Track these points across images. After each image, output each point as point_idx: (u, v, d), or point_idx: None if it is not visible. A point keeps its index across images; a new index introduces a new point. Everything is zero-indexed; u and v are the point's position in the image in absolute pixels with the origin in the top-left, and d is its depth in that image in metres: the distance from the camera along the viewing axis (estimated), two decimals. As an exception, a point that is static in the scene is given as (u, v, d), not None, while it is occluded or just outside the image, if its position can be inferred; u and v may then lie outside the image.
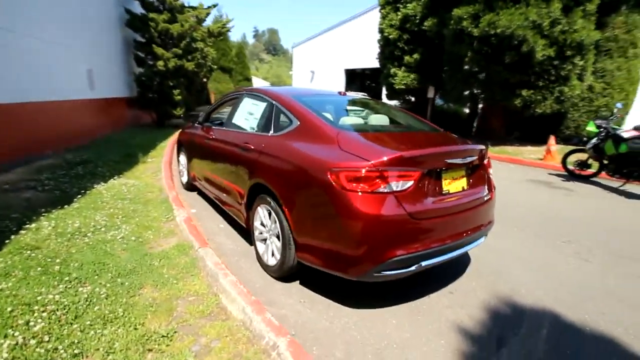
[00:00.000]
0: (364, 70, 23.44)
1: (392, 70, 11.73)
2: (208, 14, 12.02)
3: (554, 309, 2.38)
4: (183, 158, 4.86)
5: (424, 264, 2.10)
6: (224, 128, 3.51)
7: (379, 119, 2.93)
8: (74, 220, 3.29)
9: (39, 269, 2.41)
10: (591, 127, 6.06)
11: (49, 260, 2.56)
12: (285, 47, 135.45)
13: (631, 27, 9.31)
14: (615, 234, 3.78)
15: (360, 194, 1.94)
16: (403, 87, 11.47)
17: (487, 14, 8.02)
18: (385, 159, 1.97)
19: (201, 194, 4.66)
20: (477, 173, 2.52)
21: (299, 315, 2.17)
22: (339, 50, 23.55)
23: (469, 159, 2.35)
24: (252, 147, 2.76)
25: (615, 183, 5.94)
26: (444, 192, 2.20)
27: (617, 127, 5.95)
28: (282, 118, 2.74)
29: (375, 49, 20.17)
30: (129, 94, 10.76)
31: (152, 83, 10.53)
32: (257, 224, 2.80)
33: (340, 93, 3.44)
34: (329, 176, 2.03)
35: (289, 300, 2.35)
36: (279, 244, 2.51)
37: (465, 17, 8.40)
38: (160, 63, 10.28)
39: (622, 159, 5.55)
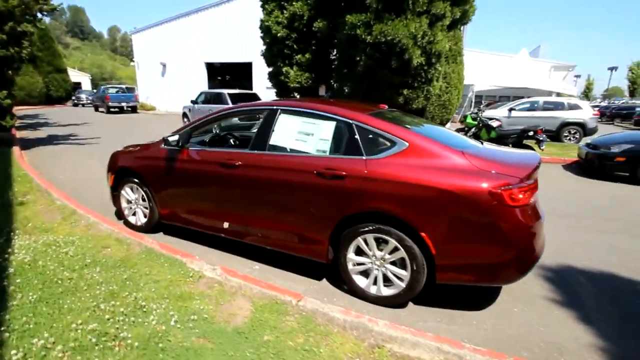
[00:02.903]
0: (228, 64, 22.25)
1: (284, 68, 11.77)
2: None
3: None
4: (134, 191, 3.69)
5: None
6: (253, 152, 2.90)
7: (442, 132, 3.06)
8: (75, 320, 2.07)
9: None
10: (469, 120, 8.02)
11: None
12: (99, 30, 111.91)
13: (457, 40, 12.54)
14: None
15: (522, 208, 2.15)
16: (298, 85, 11.71)
17: (377, 23, 9.15)
18: (525, 175, 2.23)
19: (172, 232, 3.67)
20: None
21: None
22: (197, 41, 21.46)
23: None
24: (345, 174, 2.46)
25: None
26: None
27: (487, 118, 8.11)
28: (375, 139, 2.56)
29: (244, 43, 19.49)
30: None
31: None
32: (352, 256, 2.57)
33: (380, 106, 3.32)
34: (491, 196, 2.12)
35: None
36: (399, 271, 2.43)
37: (358, 24, 9.30)
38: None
39: (494, 142, 7.66)
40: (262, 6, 12.01)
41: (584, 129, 11.09)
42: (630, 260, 3.35)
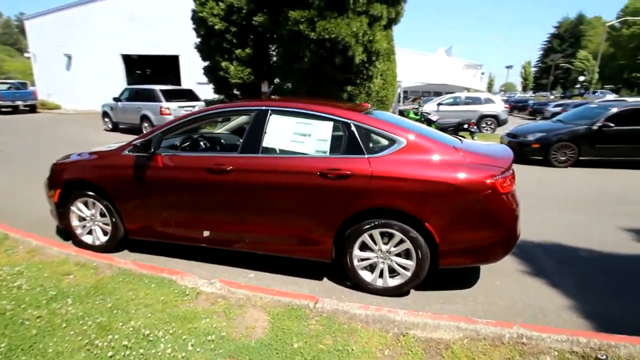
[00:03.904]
0: (150, 57, 20.21)
1: (224, 63, 11.17)
2: None
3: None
4: (90, 206, 3.23)
5: None
6: (245, 155, 2.75)
7: (425, 128, 3.23)
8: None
9: None
10: (412, 115, 8.67)
11: None
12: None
13: (390, 39, 13.35)
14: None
15: (507, 195, 2.44)
16: (239, 81, 11.24)
17: (321, 20, 9.26)
18: (507, 165, 2.54)
19: (140, 249, 3.31)
20: None
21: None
22: (112, 30, 19.03)
23: None
24: (350, 173, 2.50)
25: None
26: None
27: (428, 112, 8.86)
28: (374, 138, 2.65)
29: (170, 34, 17.95)
30: None
31: None
32: (357, 252, 2.64)
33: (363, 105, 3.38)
34: (486, 185, 2.36)
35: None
36: (404, 261, 2.58)
37: (302, 20, 9.29)
38: None
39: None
40: (196, -5, 11.20)
41: (497, 120, 12.84)
42: (567, 232, 4.03)
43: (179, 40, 17.35)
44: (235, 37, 11.13)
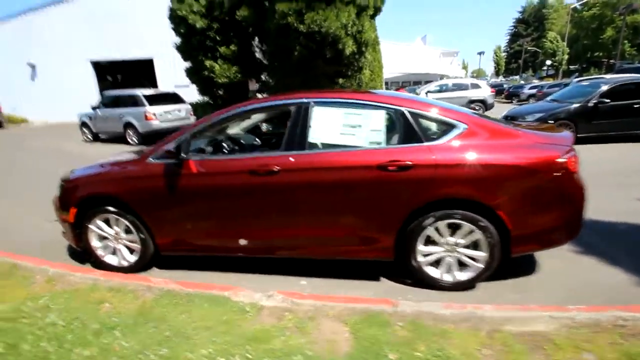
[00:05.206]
0: (122, 62, 19.19)
1: (208, 62, 10.69)
2: None
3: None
4: (113, 224, 2.92)
5: None
6: (291, 153, 2.51)
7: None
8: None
9: None
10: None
11: None
12: None
13: (374, 29, 13.24)
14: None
15: (577, 174, 2.34)
16: (226, 80, 10.78)
17: (309, 12, 8.99)
18: (571, 144, 2.44)
19: (169, 265, 3.03)
20: None
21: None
22: (79, 35, 17.91)
23: None
24: (412, 163, 2.32)
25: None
26: None
27: None
28: (431, 124, 2.49)
29: (142, 36, 17.11)
30: None
31: None
32: (421, 247, 2.48)
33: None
34: (559, 165, 2.26)
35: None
36: (474, 253, 2.44)
37: (290, 13, 9.00)
38: None
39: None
40: (172, -8, 10.60)
41: (485, 105, 13.04)
42: (596, 207, 4.02)
43: (153, 42, 16.57)
44: (219, 34, 10.65)
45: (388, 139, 2.49)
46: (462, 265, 2.51)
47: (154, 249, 2.89)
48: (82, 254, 3.24)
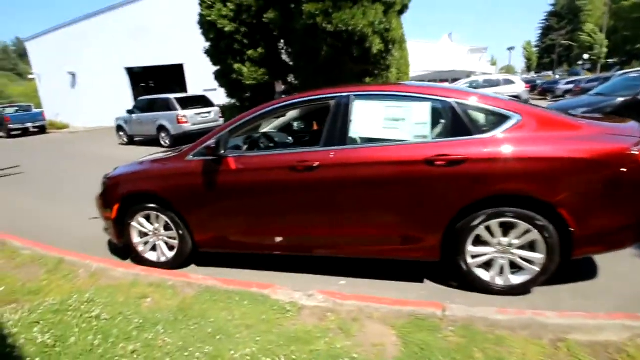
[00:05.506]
0: (154, 68, 19.97)
1: (236, 65, 10.88)
2: None
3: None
4: (153, 220, 2.95)
5: None
6: (332, 148, 2.43)
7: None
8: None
9: None
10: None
11: None
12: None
13: (398, 28, 12.98)
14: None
15: None
16: (253, 82, 10.93)
17: (336, 11, 8.93)
18: None
19: (207, 262, 3.02)
20: None
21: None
22: (114, 44, 18.82)
23: None
24: (463, 157, 2.17)
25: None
26: None
27: None
28: (481, 116, 2.33)
29: (172, 43, 17.69)
30: None
31: None
32: (471, 248, 2.32)
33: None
34: (628, 157, 2.04)
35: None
36: (530, 254, 2.25)
37: (317, 13, 8.98)
38: None
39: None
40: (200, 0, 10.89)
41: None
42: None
43: (183, 48, 17.12)
44: (246, 38, 10.81)
45: (435, 133, 2.35)
46: (515, 267, 2.33)
47: (192, 246, 2.90)
48: (122, 250, 3.32)
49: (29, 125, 17.41)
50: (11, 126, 16.68)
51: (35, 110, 18.65)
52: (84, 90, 20.50)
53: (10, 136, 16.72)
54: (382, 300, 2.20)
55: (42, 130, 18.03)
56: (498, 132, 2.22)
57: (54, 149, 12.33)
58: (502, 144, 2.17)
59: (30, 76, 23.18)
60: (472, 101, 2.33)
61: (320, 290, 2.34)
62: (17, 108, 18.38)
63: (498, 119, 2.27)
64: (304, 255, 2.78)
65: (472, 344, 1.84)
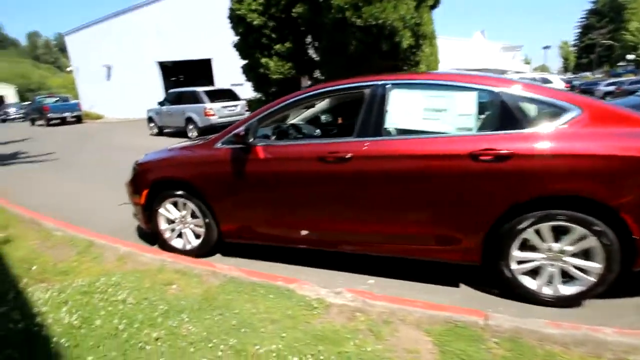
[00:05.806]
0: (183, 62, 20.42)
1: (263, 60, 10.90)
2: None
3: None
4: (180, 207, 2.93)
5: None
6: (366, 139, 2.30)
7: None
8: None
9: None
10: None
11: None
12: (12, 36, 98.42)
13: (429, 23, 12.56)
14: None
15: None
16: (280, 76, 10.92)
17: (366, 5, 8.73)
18: None
19: (232, 252, 2.96)
20: None
21: None
22: (147, 39, 19.40)
23: None
24: (511, 153, 1.98)
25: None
26: None
27: None
28: (536, 108, 2.13)
29: (201, 38, 17.98)
30: None
31: None
32: (516, 253, 2.12)
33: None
34: None
35: None
36: (585, 263, 2.03)
37: (346, 7, 8.81)
38: None
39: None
40: (234, -6, 10.99)
41: (558, 102, 11.74)
42: None
43: (211, 43, 17.40)
44: (274, 32, 10.81)
45: (481, 125, 2.17)
46: (566, 276, 2.11)
47: (218, 235, 2.86)
48: (150, 235, 3.34)
49: (66, 114, 18.28)
50: (50, 115, 17.58)
51: (72, 101, 19.54)
52: (118, 83, 21.30)
53: (49, 125, 17.64)
54: (416, 303, 2.05)
55: (78, 120, 18.89)
56: (554, 126, 2.00)
57: (89, 138, 12.85)
58: (557, 140, 1.96)
59: (68, 69, 24.35)
60: (525, 92, 2.12)
61: (350, 289, 2.22)
62: (56, 98, 19.34)
63: (555, 112, 2.05)
64: (330, 250, 2.67)
65: (520, 358, 1.66)
